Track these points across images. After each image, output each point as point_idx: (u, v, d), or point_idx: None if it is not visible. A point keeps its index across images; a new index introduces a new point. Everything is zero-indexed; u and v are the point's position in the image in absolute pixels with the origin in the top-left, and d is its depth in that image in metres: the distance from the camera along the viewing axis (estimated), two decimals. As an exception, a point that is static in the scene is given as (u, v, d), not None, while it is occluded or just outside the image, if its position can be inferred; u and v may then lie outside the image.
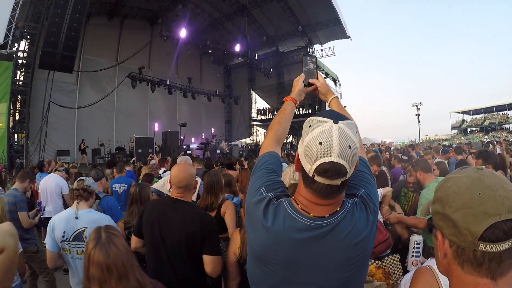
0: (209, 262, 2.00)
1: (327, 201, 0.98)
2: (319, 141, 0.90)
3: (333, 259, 0.99)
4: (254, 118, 29.21)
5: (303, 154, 0.95)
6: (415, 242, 1.86)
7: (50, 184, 5.03)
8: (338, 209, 1.00)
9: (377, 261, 2.40)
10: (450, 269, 0.72)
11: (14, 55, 12.21)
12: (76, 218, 2.38)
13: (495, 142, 13.09)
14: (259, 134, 30.74)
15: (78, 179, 2.66)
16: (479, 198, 0.66)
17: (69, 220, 2.39)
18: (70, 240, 2.36)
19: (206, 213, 2.27)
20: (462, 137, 46.45)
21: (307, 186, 0.98)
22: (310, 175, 0.93)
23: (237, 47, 20.39)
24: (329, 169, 0.90)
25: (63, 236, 2.36)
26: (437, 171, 4.13)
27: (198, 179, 3.75)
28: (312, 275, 1.00)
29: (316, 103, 24.56)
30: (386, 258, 2.40)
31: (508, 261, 0.66)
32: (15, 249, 1.20)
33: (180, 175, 2.11)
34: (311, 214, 0.99)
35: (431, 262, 1.32)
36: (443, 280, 1.21)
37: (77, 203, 2.48)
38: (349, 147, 0.90)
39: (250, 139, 29.49)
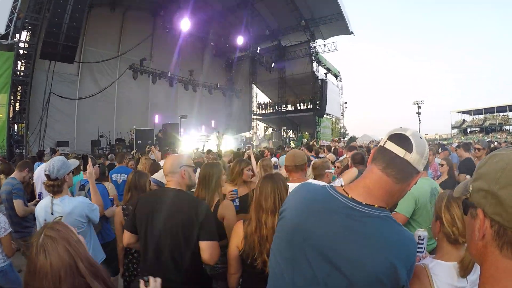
0: (206, 248, 1.94)
1: None
2: None
3: None
4: (255, 112, 29.23)
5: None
6: (419, 237, 1.82)
7: (42, 174, 5.03)
8: None
9: None
10: (486, 252, 0.67)
11: (15, 46, 12.08)
12: (52, 214, 2.47)
13: (495, 142, 13.13)
14: (258, 128, 30.72)
15: (44, 173, 2.58)
16: None
17: (46, 211, 2.50)
18: None
19: (198, 199, 2.25)
20: (462, 137, 46.25)
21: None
22: None
23: (240, 40, 20.21)
24: None
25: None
26: (446, 167, 4.72)
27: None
28: None
29: (317, 98, 24.55)
30: None
31: None
32: None
33: (165, 163, 2.20)
34: None
35: (427, 261, 1.38)
36: (436, 280, 1.25)
37: (52, 196, 2.54)
38: None
39: (250, 133, 29.49)
